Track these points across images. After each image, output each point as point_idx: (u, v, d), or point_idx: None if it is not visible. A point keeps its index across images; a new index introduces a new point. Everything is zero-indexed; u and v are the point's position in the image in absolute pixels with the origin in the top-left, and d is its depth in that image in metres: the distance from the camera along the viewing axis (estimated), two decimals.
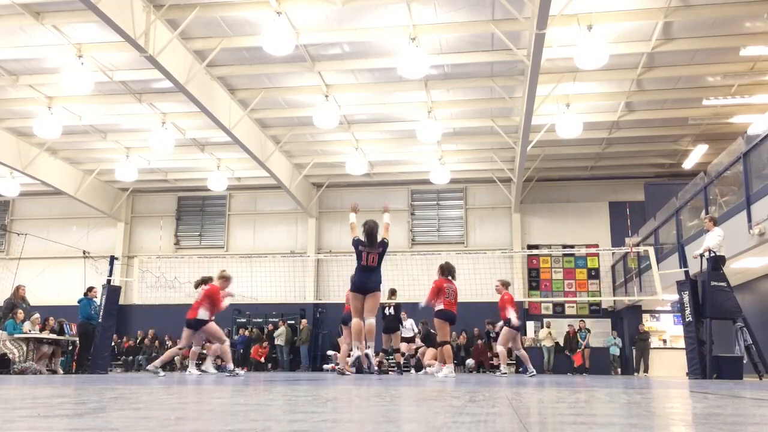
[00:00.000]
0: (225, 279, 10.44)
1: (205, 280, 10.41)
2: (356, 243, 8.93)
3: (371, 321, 8.67)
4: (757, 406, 3.13)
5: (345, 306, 10.98)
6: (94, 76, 13.67)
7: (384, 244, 8.95)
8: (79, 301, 13.41)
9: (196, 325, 9.80)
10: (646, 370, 18.69)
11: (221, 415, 2.43)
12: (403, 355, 14.13)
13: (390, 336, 12.55)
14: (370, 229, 8.86)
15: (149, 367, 10.29)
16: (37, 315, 13.05)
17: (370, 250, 8.79)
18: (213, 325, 10.02)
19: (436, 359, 11.20)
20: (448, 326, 10.03)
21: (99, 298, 12.97)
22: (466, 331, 19.64)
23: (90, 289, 13.59)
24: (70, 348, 13.58)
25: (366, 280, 8.75)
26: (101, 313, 12.57)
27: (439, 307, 9.96)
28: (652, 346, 19.84)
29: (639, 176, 20.93)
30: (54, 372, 12.43)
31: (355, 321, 8.80)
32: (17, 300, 13.11)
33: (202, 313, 9.79)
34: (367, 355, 8.76)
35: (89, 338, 12.85)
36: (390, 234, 9.51)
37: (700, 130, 17.51)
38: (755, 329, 10.54)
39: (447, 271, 10.25)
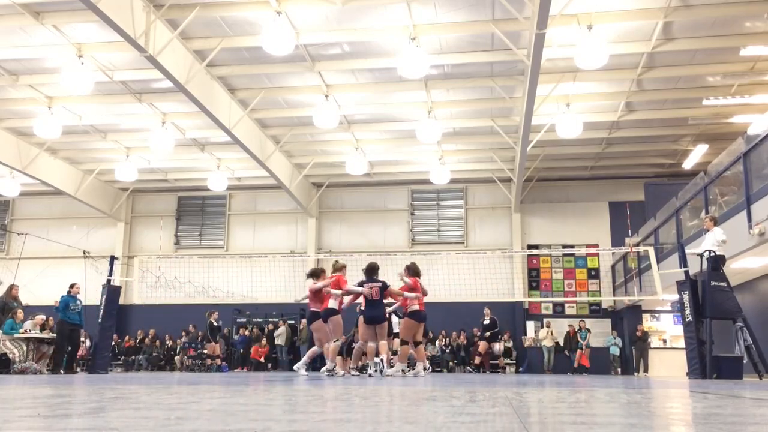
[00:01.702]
0: (343, 267, 10.27)
1: (316, 272, 10.47)
2: (360, 283, 10.10)
3: (383, 342, 9.90)
4: (757, 406, 3.13)
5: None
6: (94, 76, 13.66)
7: (384, 283, 10.04)
8: (60, 298, 12.66)
9: (326, 315, 9.93)
10: (645, 370, 18.69)
11: (221, 415, 2.42)
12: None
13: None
14: (371, 265, 10.12)
15: (295, 367, 10.22)
16: (42, 316, 13.00)
17: (371, 283, 9.90)
18: (338, 319, 9.97)
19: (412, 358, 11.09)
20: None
21: (82, 295, 12.59)
22: (465, 331, 19.65)
23: (72, 285, 12.74)
24: (69, 348, 13.47)
25: (373, 314, 9.92)
26: (101, 313, 12.45)
27: (416, 307, 10.19)
28: (652, 346, 19.84)
29: (639, 176, 20.93)
30: (54, 372, 12.41)
31: (369, 346, 10.02)
32: (8, 299, 12.93)
33: (332, 303, 9.91)
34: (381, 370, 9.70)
35: (63, 338, 12.18)
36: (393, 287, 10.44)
37: (700, 130, 17.51)
38: (755, 329, 10.54)
39: (415, 272, 10.45)
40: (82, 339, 16.29)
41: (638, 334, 18.94)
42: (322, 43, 13.19)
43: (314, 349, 10.66)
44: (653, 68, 14.17)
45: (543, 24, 10.55)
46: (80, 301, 12.72)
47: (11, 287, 13.38)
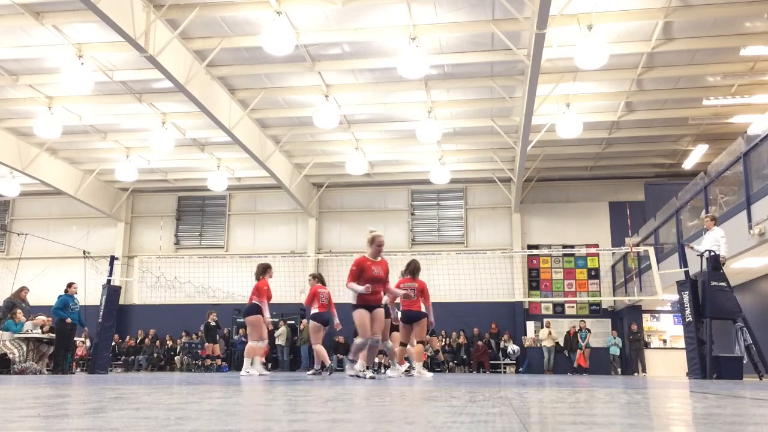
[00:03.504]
0: (372, 240, 8.00)
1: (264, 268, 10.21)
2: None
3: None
4: (757, 406, 3.13)
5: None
6: (94, 76, 13.68)
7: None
8: (58, 297, 12.62)
9: (247, 313, 9.89)
10: (644, 370, 18.69)
11: (221, 415, 2.43)
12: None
13: None
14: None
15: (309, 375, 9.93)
16: (43, 317, 13.02)
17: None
18: (253, 319, 9.81)
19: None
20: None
21: (80, 295, 12.63)
22: (465, 331, 19.65)
23: (70, 284, 12.74)
24: (71, 347, 13.48)
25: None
26: (101, 313, 12.45)
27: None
28: (652, 345, 19.83)
29: (639, 176, 20.94)
30: (54, 372, 12.41)
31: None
32: (17, 300, 13.10)
33: (254, 300, 9.83)
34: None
35: (64, 337, 12.23)
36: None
37: (700, 130, 17.52)
38: (755, 329, 10.54)
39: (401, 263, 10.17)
40: (82, 339, 16.29)
41: (631, 335, 19.04)
42: (322, 43, 13.19)
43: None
44: (653, 68, 14.17)
45: (543, 24, 10.55)
46: (78, 300, 12.70)
47: (21, 289, 13.57)
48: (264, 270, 10.30)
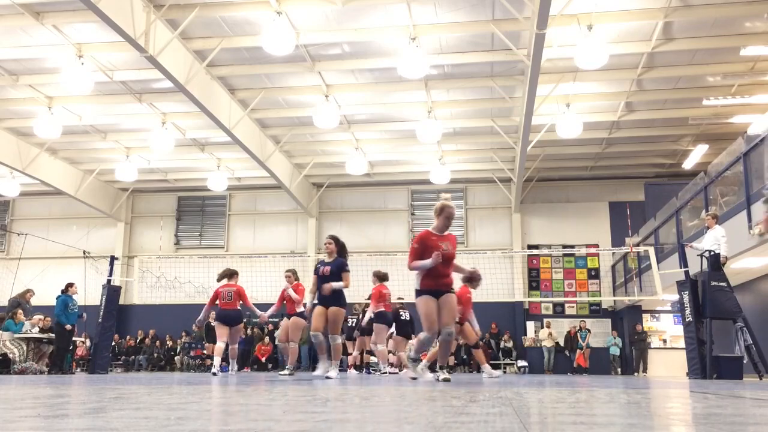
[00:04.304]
0: (441, 210, 6.47)
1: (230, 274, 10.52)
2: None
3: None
4: (757, 406, 3.13)
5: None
6: (94, 76, 13.67)
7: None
8: (57, 298, 12.64)
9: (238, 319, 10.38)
10: (645, 370, 18.68)
11: (221, 415, 2.43)
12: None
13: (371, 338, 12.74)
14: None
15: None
16: (40, 315, 13.06)
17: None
18: (242, 325, 10.53)
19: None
20: None
21: (80, 295, 12.75)
22: None
23: (70, 285, 12.77)
24: (71, 348, 13.51)
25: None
26: (101, 313, 12.45)
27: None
28: (652, 345, 19.82)
29: (639, 176, 20.93)
30: (53, 372, 12.41)
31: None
32: (22, 300, 13.31)
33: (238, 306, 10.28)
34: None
35: (62, 339, 12.27)
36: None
37: (700, 130, 17.51)
38: (755, 329, 10.54)
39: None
40: (82, 339, 16.31)
41: (635, 335, 19.00)
42: (322, 43, 13.19)
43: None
44: (653, 68, 14.17)
45: (543, 24, 10.55)
46: (77, 300, 12.71)
47: (27, 291, 13.78)
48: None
